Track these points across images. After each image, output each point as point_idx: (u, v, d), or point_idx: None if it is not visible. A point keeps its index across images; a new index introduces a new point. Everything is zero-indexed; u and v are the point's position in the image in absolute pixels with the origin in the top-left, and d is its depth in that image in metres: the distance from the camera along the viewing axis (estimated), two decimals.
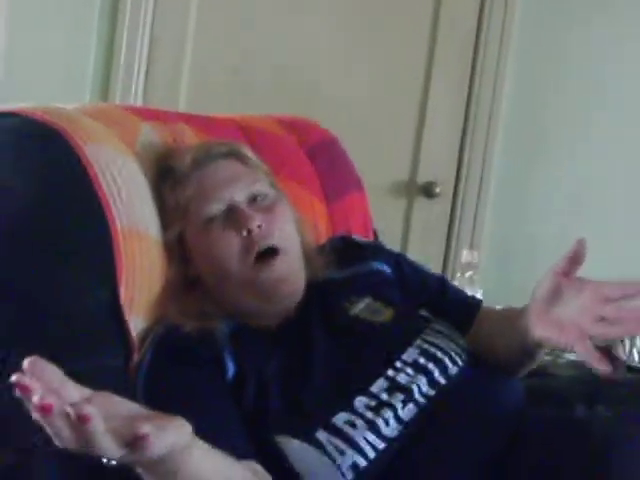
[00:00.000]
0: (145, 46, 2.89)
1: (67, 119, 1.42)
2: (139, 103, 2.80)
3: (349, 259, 1.55)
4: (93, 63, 2.80)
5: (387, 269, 1.56)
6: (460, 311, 1.53)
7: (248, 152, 1.52)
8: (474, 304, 1.58)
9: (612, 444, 1.16)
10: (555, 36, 2.93)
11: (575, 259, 1.18)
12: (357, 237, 1.67)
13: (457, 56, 2.95)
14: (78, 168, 1.36)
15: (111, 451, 0.85)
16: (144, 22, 2.87)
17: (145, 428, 0.84)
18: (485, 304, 1.59)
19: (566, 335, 1.13)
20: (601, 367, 1.09)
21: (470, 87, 2.96)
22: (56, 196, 1.36)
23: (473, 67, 2.95)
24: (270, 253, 1.38)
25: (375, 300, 1.45)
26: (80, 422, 0.82)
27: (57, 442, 0.85)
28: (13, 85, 2.32)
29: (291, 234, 1.43)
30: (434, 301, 1.55)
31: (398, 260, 1.60)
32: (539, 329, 1.18)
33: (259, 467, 1.18)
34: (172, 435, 0.88)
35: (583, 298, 1.15)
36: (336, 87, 2.91)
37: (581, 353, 1.11)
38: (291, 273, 1.40)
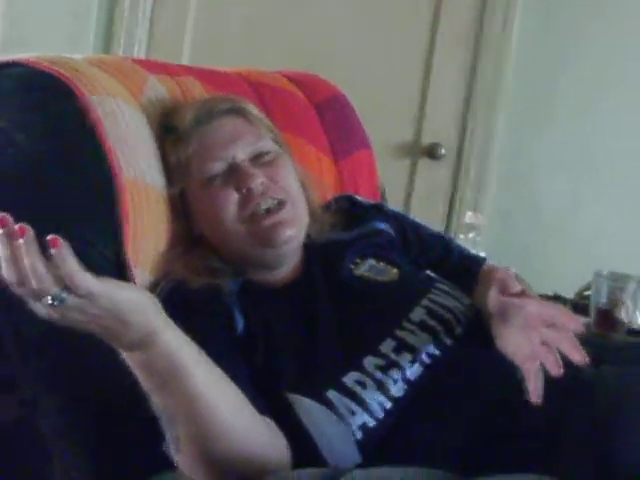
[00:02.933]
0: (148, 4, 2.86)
1: (74, 69, 1.40)
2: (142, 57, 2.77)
3: (353, 220, 1.55)
4: (96, 17, 2.77)
5: (390, 230, 1.56)
6: (464, 270, 1.54)
7: (251, 108, 1.50)
8: (477, 263, 1.59)
9: (617, 403, 1.17)
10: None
11: (504, 290, 1.21)
12: (361, 197, 1.66)
13: (463, 16, 2.92)
14: (84, 119, 1.35)
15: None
16: None
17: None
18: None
19: (518, 355, 1.15)
20: (532, 397, 1.12)
21: (475, 47, 2.94)
22: (62, 147, 1.35)
23: (479, 27, 2.93)
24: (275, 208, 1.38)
25: (379, 261, 1.45)
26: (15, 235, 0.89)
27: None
28: (16, 37, 2.30)
29: (295, 188, 1.43)
30: (438, 261, 1.57)
31: (401, 221, 1.60)
32: (497, 342, 1.18)
33: (274, 425, 1.17)
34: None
35: (525, 317, 1.17)
36: (342, 49, 2.89)
37: (526, 374, 1.13)
38: (294, 219, 1.39)
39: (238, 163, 1.38)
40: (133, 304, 0.99)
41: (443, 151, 2.95)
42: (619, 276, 2.05)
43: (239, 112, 1.46)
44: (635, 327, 2.11)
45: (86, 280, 0.93)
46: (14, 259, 0.90)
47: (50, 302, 0.92)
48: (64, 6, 2.64)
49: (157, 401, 1.08)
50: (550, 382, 1.21)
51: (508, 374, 1.17)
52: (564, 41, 2.90)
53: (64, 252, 0.91)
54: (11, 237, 0.90)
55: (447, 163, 2.97)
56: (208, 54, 2.82)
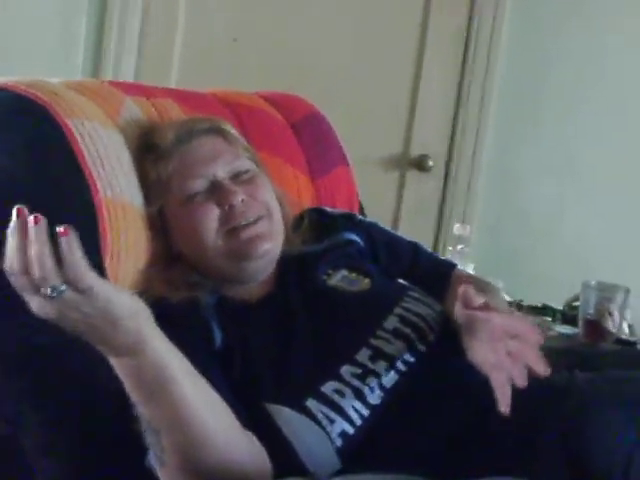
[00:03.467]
0: (137, 21, 2.88)
1: (51, 93, 1.43)
2: (130, 80, 2.79)
3: (323, 231, 1.58)
4: (84, 44, 2.79)
5: (359, 240, 1.59)
6: (434, 277, 1.56)
7: (229, 128, 1.53)
8: (447, 269, 1.62)
9: (587, 406, 1.20)
10: (550, 7, 2.92)
11: (467, 304, 1.22)
12: (329, 209, 1.68)
13: (450, 28, 2.95)
14: (62, 142, 1.37)
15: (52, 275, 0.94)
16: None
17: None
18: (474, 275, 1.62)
19: (485, 365, 1.16)
20: (501, 406, 1.12)
21: (463, 60, 2.96)
22: (40, 171, 1.37)
23: (467, 39, 2.95)
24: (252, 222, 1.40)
25: (351, 271, 1.48)
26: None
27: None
28: (1, 62, 2.32)
29: (273, 205, 1.46)
30: (407, 270, 1.59)
31: (370, 230, 1.63)
32: (467, 353, 1.19)
33: (251, 433, 1.20)
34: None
35: (491, 329, 1.18)
36: (330, 61, 2.91)
37: (493, 384, 1.13)
38: (271, 233, 1.42)
39: (219, 180, 1.41)
40: (126, 308, 1.02)
41: (431, 163, 2.97)
42: (607, 286, 2.07)
43: (218, 132, 1.49)
44: (623, 337, 2.13)
45: (89, 274, 0.96)
46: (23, 247, 0.95)
47: (49, 293, 0.95)
48: (52, 29, 2.66)
49: (143, 411, 1.10)
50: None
51: (480, 380, 1.20)
52: (551, 47, 2.92)
53: (73, 243, 0.95)
54: (24, 227, 0.95)
55: (435, 175, 2.99)
56: (196, 71, 2.85)
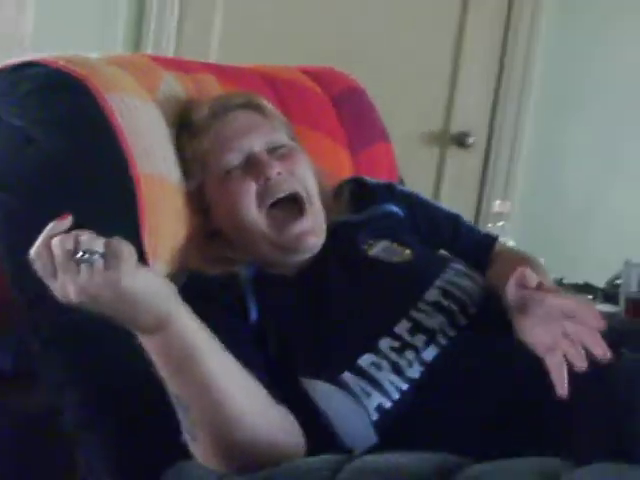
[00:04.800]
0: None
1: (89, 67, 1.43)
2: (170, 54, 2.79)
3: (362, 202, 1.55)
4: (125, 17, 2.80)
5: (400, 211, 1.56)
6: (475, 250, 1.54)
7: (266, 103, 1.52)
8: (488, 242, 1.59)
9: (634, 384, 1.16)
10: None
11: (521, 284, 1.19)
12: (369, 179, 1.64)
13: (492, 3, 2.91)
14: (100, 116, 1.38)
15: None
16: None
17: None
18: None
19: (539, 346, 1.13)
20: (558, 389, 1.09)
21: (505, 36, 2.93)
22: (79, 144, 1.38)
23: (508, 15, 2.92)
24: (292, 201, 1.39)
25: (392, 242, 1.45)
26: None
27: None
28: (44, 38, 2.33)
29: (311, 183, 1.43)
30: (448, 242, 1.56)
31: (411, 201, 1.60)
32: (519, 333, 1.17)
33: (288, 412, 1.19)
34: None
35: (546, 310, 1.14)
36: (371, 39, 2.88)
37: (549, 366, 1.10)
38: (315, 225, 1.40)
39: (256, 154, 1.40)
40: (149, 288, 1.03)
41: (472, 139, 2.94)
42: None
43: (254, 107, 1.48)
44: None
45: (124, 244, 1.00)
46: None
47: (81, 256, 0.97)
48: (93, 6, 2.66)
49: (173, 388, 1.10)
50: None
51: (524, 359, 1.18)
52: (594, 25, 2.87)
53: None
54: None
55: (476, 151, 2.96)
56: (236, 50, 2.84)
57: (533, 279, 1.18)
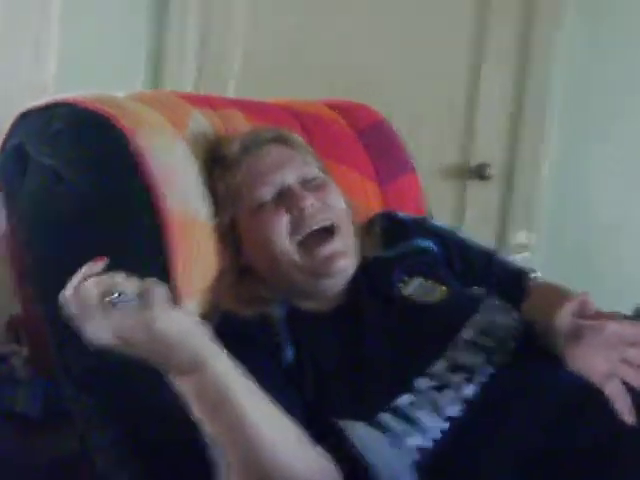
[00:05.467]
0: (196, 33, 2.89)
1: (117, 106, 1.44)
2: (190, 90, 2.80)
3: (395, 237, 1.55)
4: (145, 52, 2.82)
5: (434, 247, 1.55)
6: (509, 285, 1.51)
7: (296, 137, 1.53)
8: (523, 276, 1.56)
9: None
10: (613, 6, 2.85)
11: (582, 313, 1.18)
12: (401, 214, 1.65)
13: (508, 31, 2.90)
14: (129, 155, 1.38)
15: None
16: (193, 14, 2.87)
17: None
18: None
19: (596, 374, 1.13)
20: (625, 416, 1.08)
21: (522, 65, 2.91)
22: (109, 184, 1.38)
23: (525, 44, 2.90)
24: (324, 230, 1.39)
25: (427, 279, 1.45)
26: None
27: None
28: (67, 77, 2.35)
29: (344, 214, 1.44)
30: (482, 277, 1.54)
31: (444, 236, 1.59)
32: (570, 363, 1.17)
33: (322, 451, 1.16)
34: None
35: (605, 338, 1.14)
36: (387, 71, 2.88)
37: (610, 393, 1.09)
38: (346, 248, 1.40)
39: (288, 186, 1.40)
40: (182, 329, 1.03)
41: (492, 171, 2.92)
42: None
43: (284, 141, 1.49)
44: None
45: (158, 288, 1.00)
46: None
47: (115, 298, 0.97)
48: (113, 43, 2.69)
49: (208, 429, 1.09)
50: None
51: (568, 390, 1.16)
52: (613, 47, 2.86)
53: None
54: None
55: (497, 183, 2.94)
56: (255, 85, 2.85)
57: (593, 307, 1.17)
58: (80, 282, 0.99)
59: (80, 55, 2.43)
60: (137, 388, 1.27)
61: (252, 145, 1.46)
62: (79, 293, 0.98)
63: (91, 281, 0.99)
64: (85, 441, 1.35)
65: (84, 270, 1.00)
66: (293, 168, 1.44)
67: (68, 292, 0.99)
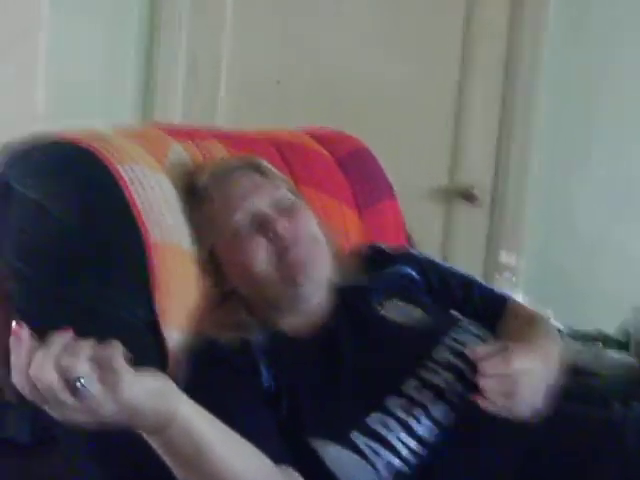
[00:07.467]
0: (183, 64, 2.93)
1: (100, 140, 1.47)
2: (178, 120, 2.84)
3: (377, 265, 1.58)
4: (132, 82, 2.85)
5: (414, 273, 1.59)
6: (487, 311, 1.55)
7: (265, 163, 1.57)
8: (500, 302, 1.60)
9: None
10: (594, 30, 2.88)
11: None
12: (384, 245, 1.69)
13: (491, 56, 2.93)
14: (112, 186, 1.41)
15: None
16: (180, 40, 2.92)
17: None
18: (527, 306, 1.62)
19: None
20: None
21: (505, 87, 2.94)
22: (92, 215, 1.41)
23: (507, 67, 2.94)
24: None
25: (404, 301, 1.48)
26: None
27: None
28: (55, 109, 2.37)
29: (316, 232, 1.48)
30: (460, 303, 1.58)
31: (423, 263, 1.62)
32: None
33: (294, 472, 1.20)
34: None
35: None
36: (373, 93, 2.91)
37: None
38: (317, 255, 1.44)
39: (261, 211, 1.44)
40: (150, 394, 0.99)
41: (478, 193, 2.95)
42: None
43: (254, 167, 1.53)
44: None
45: (119, 359, 0.95)
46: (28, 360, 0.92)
47: (78, 384, 0.91)
48: (102, 74, 2.72)
49: (181, 476, 1.10)
50: (580, 422, 1.23)
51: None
52: (597, 65, 2.88)
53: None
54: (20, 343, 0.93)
55: (482, 205, 2.97)
56: (241, 111, 2.89)
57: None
58: (34, 370, 0.91)
59: (68, 86, 2.45)
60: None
61: (221, 174, 1.50)
62: (34, 384, 0.92)
63: (42, 376, 0.91)
64: (75, 465, 1.37)
65: (47, 347, 0.93)
66: (264, 192, 1.47)
67: (20, 382, 0.93)
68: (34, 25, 2.35)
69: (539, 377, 1.23)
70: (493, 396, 1.17)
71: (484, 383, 1.17)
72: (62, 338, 0.93)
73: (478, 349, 1.22)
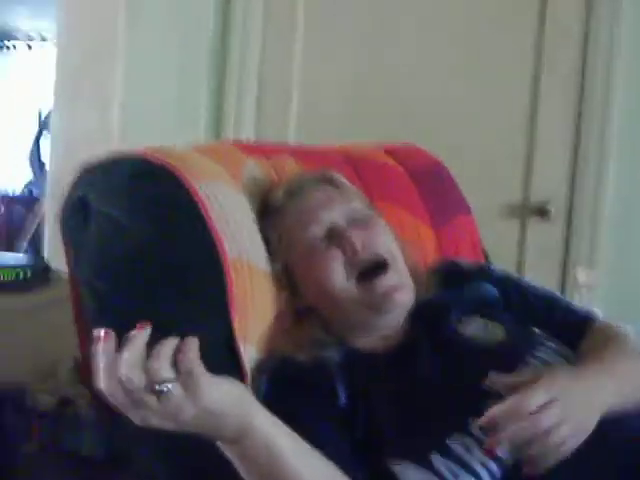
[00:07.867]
0: (254, 84, 2.95)
1: (176, 157, 1.48)
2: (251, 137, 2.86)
3: (455, 281, 1.55)
4: (205, 102, 2.88)
5: (493, 290, 1.55)
6: (570, 329, 1.50)
7: (338, 176, 1.56)
8: (584, 321, 1.54)
9: None
10: None
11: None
12: (463, 262, 1.66)
13: (565, 69, 2.89)
14: (189, 204, 1.41)
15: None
16: (252, 62, 2.95)
17: None
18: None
19: None
20: None
21: (580, 102, 2.90)
22: (169, 232, 1.41)
23: (582, 81, 2.89)
24: (378, 268, 1.40)
25: (484, 319, 1.45)
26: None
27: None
28: (130, 131, 2.41)
29: (393, 247, 1.46)
30: (543, 322, 1.53)
31: (505, 282, 1.58)
32: None
33: None
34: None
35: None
36: (445, 108, 2.91)
37: None
38: (402, 282, 1.42)
39: (336, 223, 1.43)
40: (229, 400, 1.00)
41: (553, 209, 2.91)
42: None
43: (327, 181, 1.52)
44: None
45: (199, 366, 0.96)
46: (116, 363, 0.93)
47: (156, 387, 0.93)
48: (175, 92, 2.75)
49: None
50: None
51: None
52: None
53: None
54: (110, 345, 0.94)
55: (557, 221, 2.92)
56: (313, 128, 2.89)
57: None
58: (117, 371, 0.93)
59: (143, 106, 2.49)
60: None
61: (296, 190, 1.49)
62: (118, 387, 0.93)
63: (127, 376, 0.93)
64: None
65: (125, 351, 0.94)
66: (339, 205, 1.46)
67: (105, 386, 0.94)
68: (110, 45, 2.40)
69: (581, 399, 1.18)
70: (517, 452, 1.13)
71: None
72: (143, 336, 0.95)
73: (488, 412, 1.15)
